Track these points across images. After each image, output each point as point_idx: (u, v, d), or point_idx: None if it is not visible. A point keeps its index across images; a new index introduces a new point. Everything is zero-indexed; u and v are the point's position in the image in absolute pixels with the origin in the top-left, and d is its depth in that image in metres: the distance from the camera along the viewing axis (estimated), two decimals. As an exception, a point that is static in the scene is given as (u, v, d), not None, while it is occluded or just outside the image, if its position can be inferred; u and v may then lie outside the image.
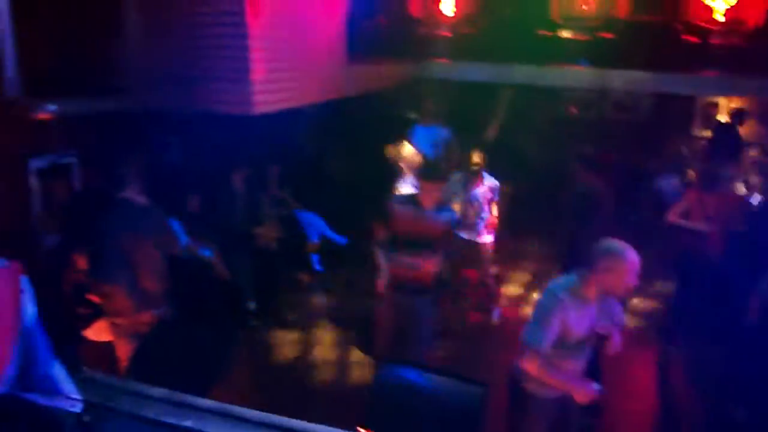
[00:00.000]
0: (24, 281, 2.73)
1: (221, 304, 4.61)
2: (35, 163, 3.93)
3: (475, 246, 4.74)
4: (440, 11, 8.50)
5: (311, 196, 6.07)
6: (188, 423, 1.52)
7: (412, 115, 6.78)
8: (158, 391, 1.69)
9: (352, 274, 5.74)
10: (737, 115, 6.62)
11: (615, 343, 2.57)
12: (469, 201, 4.63)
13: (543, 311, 2.50)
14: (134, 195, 3.51)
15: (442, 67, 7.50)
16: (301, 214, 5.70)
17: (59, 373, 2.78)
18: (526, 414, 2.71)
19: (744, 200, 4.59)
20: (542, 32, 8.02)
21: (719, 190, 4.05)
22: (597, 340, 2.61)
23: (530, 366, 2.50)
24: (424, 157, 5.23)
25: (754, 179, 5.43)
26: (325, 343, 4.70)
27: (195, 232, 4.69)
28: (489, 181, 4.65)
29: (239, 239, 4.99)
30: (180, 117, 4.62)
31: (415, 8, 8.07)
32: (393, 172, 6.06)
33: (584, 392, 2.53)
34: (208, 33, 3.85)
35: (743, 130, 6.63)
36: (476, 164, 4.56)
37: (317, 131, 6.60)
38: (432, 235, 3.49)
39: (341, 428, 1.42)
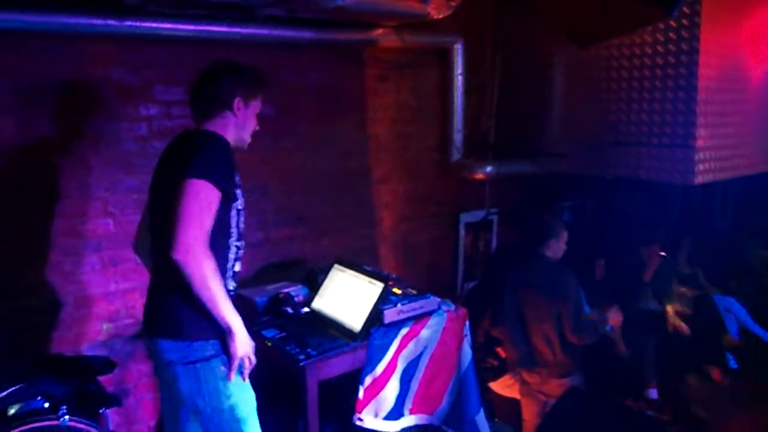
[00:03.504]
0: (467, 327, 2.99)
1: (619, 384, 4.29)
2: (465, 217, 4.37)
3: None
4: None
5: (731, 278, 5.28)
6: None
7: None
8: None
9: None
10: None
11: None
12: None
13: None
14: (552, 255, 3.57)
15: None
16: (718, 298, 4.96)
17: (482, 420, 2.94)
18: None
19: None
20: None
21: None
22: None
23: None
24: None
25: None
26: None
27: (597, 301, 4.51)
28: None
29: (644, 316, 4.61)
30: (595, 181, 4.55)
31: None
32: None
33: None
34: (642, 96, 3.68)
35: None
36: None
37: (747, 202, 5.77)
38: None
39: None
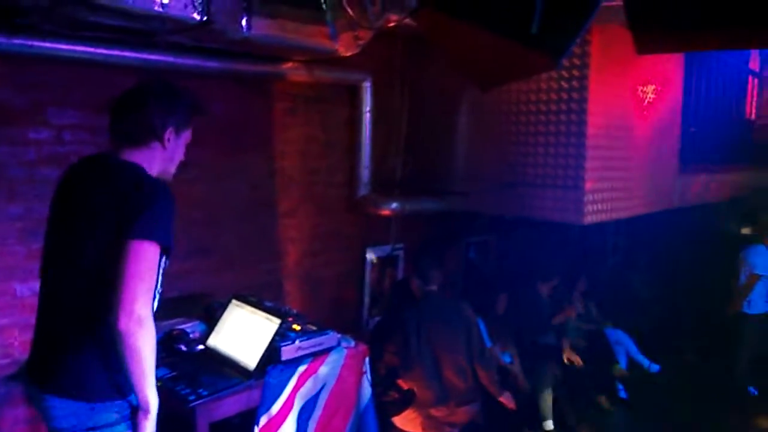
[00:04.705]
0: (366, 363, 2.97)
1: (518, 415, 4.40)
2: (371, 253, 4.40)
3: None
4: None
5: (620, 313, 5.62)
6: None
7: (749, 231, 5.88)
8: None
9: (663, 407, 5.06)
10: None
11: None
12: None
13: None
14: (437, 288, 3.66)
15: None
16: (610, 331, 5.26)
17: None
18: None
19: None
20: None
21: None
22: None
23: None
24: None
25: None
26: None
27: (497, 335, 4.65)
28: None
29: (541, 349, 4.79)
30: (499, 220, 4.73)
31: (752, 112, 7.19)
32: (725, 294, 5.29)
33: None
34: (537, 140, 3.90)
35: None
36: None
37: (634, 242, 6.20)
38: None
39: None
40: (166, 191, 1.91)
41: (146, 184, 1.90)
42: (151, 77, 2.12)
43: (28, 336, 2.95)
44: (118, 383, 1.86)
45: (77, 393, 1.84)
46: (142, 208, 1.80)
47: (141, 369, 1.78)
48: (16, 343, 2.99)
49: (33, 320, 2.90)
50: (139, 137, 1.98)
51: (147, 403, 1.84)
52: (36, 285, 2.94)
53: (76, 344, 1.85)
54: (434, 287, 3.62)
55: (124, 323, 1.71)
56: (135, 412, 1.90)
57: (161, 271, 1.95)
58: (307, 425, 2.74)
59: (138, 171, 1.95)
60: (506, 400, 3.72)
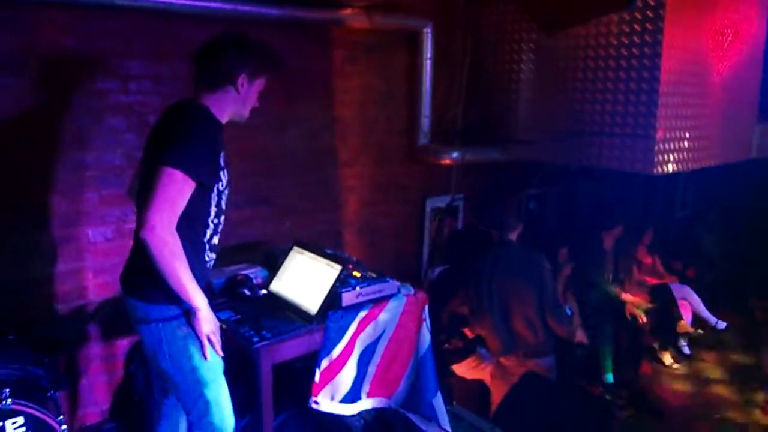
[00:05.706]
0: (426, 311, 2.98)
1: (578, 367, 4.37)
2: (431, 203, 4.36)
3: None
4: None
5: (687, 267, 5.42)
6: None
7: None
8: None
9: (728, 365, 4.90)
10: None
11: None
12: None
13: None
14: (514, 238, 3.61)
15: None
16: (675, 287, 5.08)
17: (440, 403, 2.95)
18: None
19: None
20: None
21: None
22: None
23: None
24: None
25: None
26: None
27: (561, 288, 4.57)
28: None
29: (603, 302, 4.69)
30: (562, 170, 4.58)
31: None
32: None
33: None
34: (606, 86, 3.70)
35: None
36: None
37: (704, 195, 5.92)
38: None
39: None
40: (206, 126, 2.07)
41: (188, 118, 2.07)
42: (225, 28, 2.26)
43: (102, 279, 3.14)
44: (167, 292, 2.07)
45: (141, 297, 2.15)
46: (175, 137, 1.99)
47: (171, 273, 1.99)
48: (91, 286, 3.14)
49: (106, 265, 3.11)
50: (215, 81, 2.18)
51: (191, 303, 2.08)
52: (107, 230, 3.14)
53: (139, 255, 2.09)
54: (513, 237, 3.59)
55: (142, 233, 1.93)
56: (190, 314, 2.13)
57: (213, 197, 2.18)
58: (367, 369, 2.79)
59: (197, 109, 2.12)
60: (580, 337, 3.91)
